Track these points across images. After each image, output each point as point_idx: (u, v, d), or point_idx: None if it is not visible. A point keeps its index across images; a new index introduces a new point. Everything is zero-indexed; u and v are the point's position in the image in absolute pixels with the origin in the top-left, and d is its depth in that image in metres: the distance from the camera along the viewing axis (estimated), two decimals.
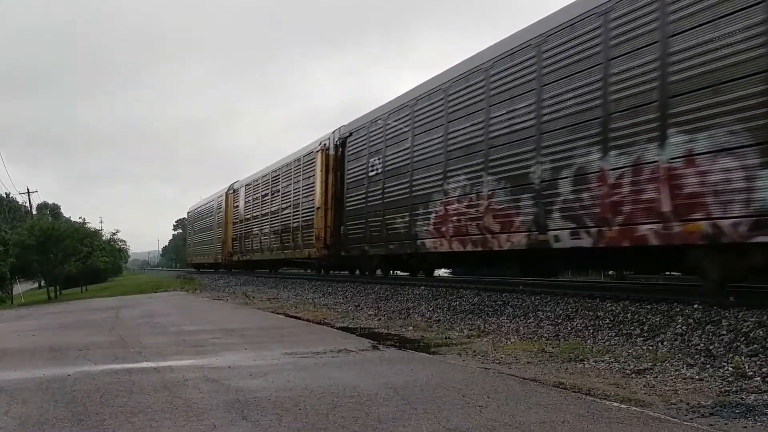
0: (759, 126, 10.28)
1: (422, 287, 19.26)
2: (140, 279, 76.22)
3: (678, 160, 11.65)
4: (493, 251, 17.10)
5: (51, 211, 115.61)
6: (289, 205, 35.07)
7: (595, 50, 13.83)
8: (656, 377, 7.47)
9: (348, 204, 26.39)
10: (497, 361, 8.87)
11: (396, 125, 22.69)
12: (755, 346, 8.41)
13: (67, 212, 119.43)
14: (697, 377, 7.36)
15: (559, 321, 12.03)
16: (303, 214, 32.78)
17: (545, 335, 11.06)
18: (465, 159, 18.19)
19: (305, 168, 32.86)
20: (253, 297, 24.92)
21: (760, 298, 10.56)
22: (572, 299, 13.40)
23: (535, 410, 6.06)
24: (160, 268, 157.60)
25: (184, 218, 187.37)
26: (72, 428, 5.83)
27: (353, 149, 26.42)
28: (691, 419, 5.66)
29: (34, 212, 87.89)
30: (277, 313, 17.40)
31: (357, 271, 30.67)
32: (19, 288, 58.52)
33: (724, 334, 9.14)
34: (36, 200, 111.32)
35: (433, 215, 19.79)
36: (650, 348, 9.26)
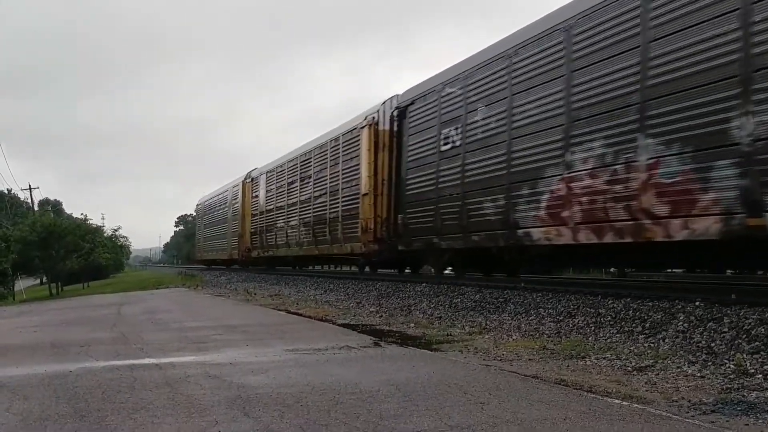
0: None
1: (424, 284, 19.29)
2: (142, 275, 76.23)
3: None
4: (653, 242, 12.66)
5: (53, 207, 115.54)
6: (324, 193, 30.21)
7: None
8: (658, 374, 7.47)
9: (409, 187, 21.80)
10: (499, 358, 8.87)
11: (482, 85, 18.01)
12: (757, 343, 8.41)
13: (68, 209, 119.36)
14: (698, 374, 7.36)
15: (561, 318, 12.04)
16: (344, 202, 28.04)
17: (547, 332, 11.06)
18: (602, 119, 13.72)
19: (346, 148, 28.10)
20: (255, 294, 24.96)
21: (761, 296, 10.56)
22: (574, 296, 13.40)
23: (537, 407, 6.06)
24: (161, 265, 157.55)
25: (185, 215, 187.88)
26: (74, 424, 5.84)
27: (416, 121, 21.72)
28: (693, 416, 5.66)
29: (36, 208, 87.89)
30: (279, 310, 17.42)
31: (408, 269, 27.54)
32: (21, 284, 58.50)
33: (725, 332, 9.14)
34: (38, 197, 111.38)
35: (545, 196, 15.22)
36: (652, 345, 9.26)
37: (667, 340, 9.38)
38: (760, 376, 7.02)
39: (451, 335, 11.33)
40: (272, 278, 33.79)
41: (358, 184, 26.35)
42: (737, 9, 10.91)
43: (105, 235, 76.30)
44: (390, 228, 23.28)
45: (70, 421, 5.97)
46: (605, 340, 10.01)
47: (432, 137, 20.55)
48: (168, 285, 39.30)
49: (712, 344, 8.79)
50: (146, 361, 9.43)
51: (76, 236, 54.56)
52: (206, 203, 62.03)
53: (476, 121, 18.06)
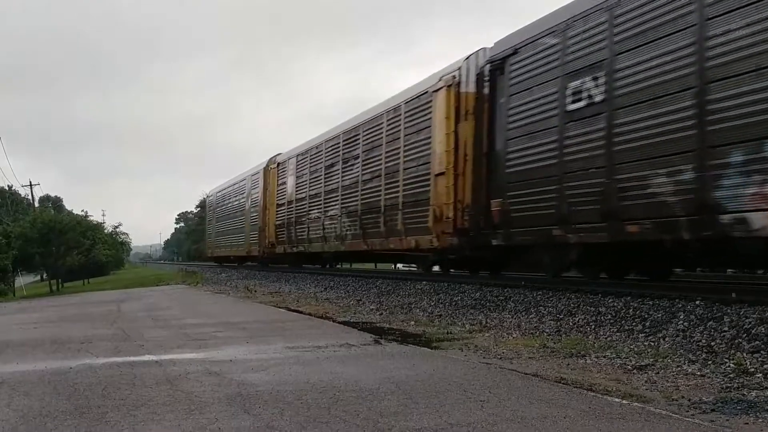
0: None
1: (424, 282, 19.31)
2: (142, 272, 76.31)
3: None
4: None
5: (53, 203, 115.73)
6: (377, 175, 24.75)
7: None
8: (658, 373, 7.47)
9: (511, 163, 16.54)
10: (499, 356, 8.87)
11: (647, 11, 12.85)
12: (757, 342, 8.41)
13: (69, 205, 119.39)
14: (698, 373, 7.36)
15: (561, 316, 12.04)
16: (406, 185, 22.66)
17: (547, 330, 11.06)
18: None
19: (410, 119, 22.74)
20: (255, 291, 24.97)
21: (762, 295, 10.56)
22: (574, 295, 13.42)
23: (537, 405, 6.06)
24: (161, 262, 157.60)
25: (186, 212, 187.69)
26: (74, 421, 5.84)
27: (522, 75, 16.44)
28: (693, 415, 5.66)
29: (37, 205, 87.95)
30: (279, 307, 17.43)
31: (485, 270, 22.23)
32: (21, 281, 58.56)
33: (725, 331, 9.15)
34: (38, 193, 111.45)
35: None
36: (652, 344, 9.26)
37: (667, 339, 9.38)
38: (760, 375, 7.02)
39: (451, 333, 11.33)
40: (273, 275, 33.78)
41: (428, 163, 21.29)
42: None
43: (105, 231, 76.31)
44: (478, 216, 18.19)
45: (70, 417, 5.97)
46: (605, 338, 10.00)
47: (550, 94, 15.41)
48: (168, 282, 39.30)
49: (713, 343, 8.79)
50: (146, 357, 9.44)
51: (77, 233, 54.62)
52: (218, 194, 56.88)
53: (637, 64, 13.03)
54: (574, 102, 14.66)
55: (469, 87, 19.85)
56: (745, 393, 6.37)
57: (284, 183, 37.24)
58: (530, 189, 15.75)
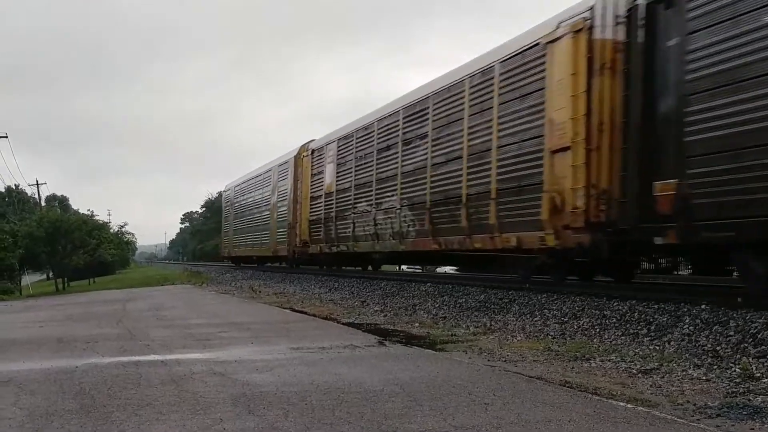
0: None
1: (428, 284, 19.28)
2: (147, 272, 76.37)
3: None
4: None
5: (59, 203, 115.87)
6: (456, 157, 19.52)
7: None
8: (663, 377, 7.46)
9: (696, 128, 11.77)
10: (503, 359, 8.87)
11: None
12: (763, 347, 8.40)
13: (75, 205, 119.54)
14: (704, 378, 7.36)
15: (566, 320, 12.02)
16: (502, 167, 17.26)
17: (552, 334, 11.05)
18: None
19: (508, 81, 17.33)
20: (260, 291, 25.00)
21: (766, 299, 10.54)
22: (579, 298, 13.40)
23: (541, 408, 6.06)
24: (166, 262, 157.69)
25: (191, 212, 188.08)
26: (80, 420, 5.86)
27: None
28: (698, 420, 5.66)
29: (43, 204, 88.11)
30: (284, 308, 17.44)
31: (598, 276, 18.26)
32: (27, 279, 58.57)
33: (731, 335, 9.13)
34: (45, 192, 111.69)
35: None
36: (657, 348, 9.25)
37: (672, 343, 9.37)
38: (766, 380, 7.01)
39: (455, 335, 11.33)
40: (277, 276, 33.77)
41: (539, 137, 16.18)
42: None
43: (111, 231, 76.31)
44: (629, 206, 13.67)
45: (76, 416, 6.00)
46: (610, 342, 10.00)
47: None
48: (173, 281, 39.35)
49: (718, 348, 8.78)
50: (151, 357, 9.46)
51: (83, 232, 54.62)
52: (238, 188, 51.15)
53: None
54: None
55: (607, 32, 15.17)
56: (750, 398, 6.36)
57: (320, 172, 31.93)
58: (738, 162, 10.98)
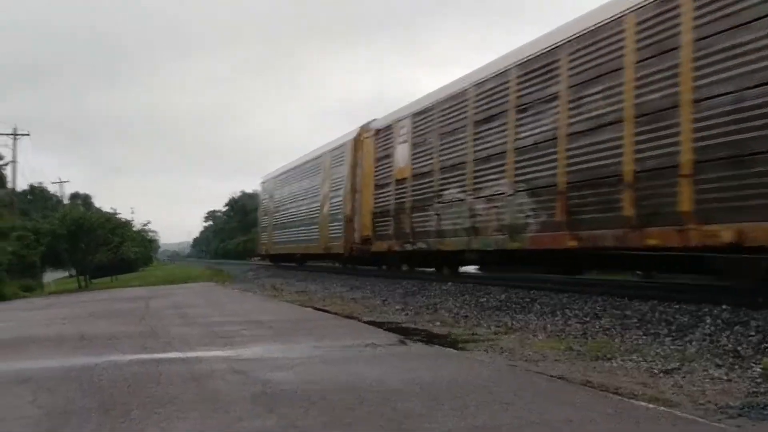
0: None
1: (450, 283, 19.27)
2: (170, 270, 76.63)
3: None
4: None
5: (83, 201, 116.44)
6: (612, 121, 14.88)
7: None
8: (684, 377, 7.41)
9: None
10: (524, 358, 8.83)
11: None
12: None
13: (98, 203, 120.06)
14: (725, 378, 7.30)
15: (587, 319, 11.98)
16: (707, 128, 12.53)
17: (573, 333, 11.00)
18: None
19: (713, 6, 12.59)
20: (282, 290, 24.99)
21: None
22: (600, 298, 13.38)
23: (563, 409, 6.03)
24: (189, 260, 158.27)
25: (214, 210, 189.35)
26: (98, 418, 5.87)
27: None
28: (719, 420, 5.61)
29: (66, 202, 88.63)
30: (305, 306, 17.43)
31: None
32: (50, 276, 58.91)
33: (752, 335, 9.09)
34: (68, 190, 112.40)
35: None
36: (678, 348, 9.19)
37: (693, 343, 9.31)
38: None
39: (476, 334, 11.29)
40: (300, 275, 33.80)
41: None
42: None
43: (134, 229, 76.61)
44: None
45: (95, 414, 6.01)
46: (631, 341, 9.94)
47: None
48: (196, 279, 39.43)
49: (739, 348, 8.73)
50: (172, 355, 9.48)
51: (105, 230, 54.82)
52: (279, 179, 46.78)
53: None
54: None
55: None
56: None
57: (388, 156, 27.17)
58: None
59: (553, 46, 17.08)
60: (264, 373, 7.76)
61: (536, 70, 17.54)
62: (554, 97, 16.64)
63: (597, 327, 11.28)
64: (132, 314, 16.85)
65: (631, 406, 6.12)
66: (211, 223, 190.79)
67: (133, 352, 9.85)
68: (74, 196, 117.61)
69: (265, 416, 5.83)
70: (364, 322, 13.38)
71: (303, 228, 39.44)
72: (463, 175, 20.93)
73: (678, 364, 8.10)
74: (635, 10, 14.40)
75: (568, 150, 16.06)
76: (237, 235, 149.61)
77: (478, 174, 20.12)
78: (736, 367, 7.80)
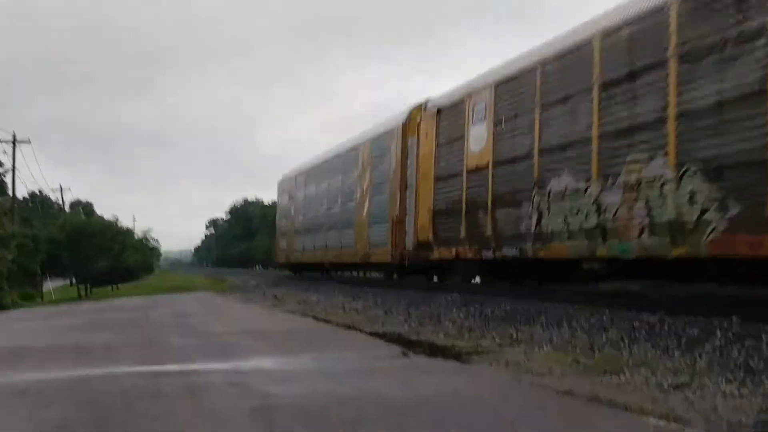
0: None
1: (454, 293, 19.09)
2: (171, 278, 76.69)
3: None
4: None
5: (84, 208, 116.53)
6: None
7: None
8: (695, 393, 7.22)
9: None
10: (530, 372, 8.64)
11: None
12: None
13: (100, 210, 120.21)
14: (737, 393, 7.11)
15: (594, 331, 11.79)
16: None
17: (579, 346, 10.79)
18: None
19: None
20: (283, 299, 24.80)
21: None
22: (607, 309, 13.19)
23: (570, 425, 5.87)
24: (191, 267, 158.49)
25: (216, 218, 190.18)
26: None
27: None
28: None
29: (67, 209, 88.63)
30: (306, 316, 17.26)
31: None
32: (50, 284, 58.86)
33: (764, 349, 8.91)
34: (69, 198, 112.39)
35: None
36: (688, 362, 8.99)
37: (703, 357, 9.12)
38: None
39: (481, 346, 11.10)
40: (302, 285, 33.64)
41: None
42: None
43: (135, 237, 76.75)
44: None
45: (90, 429, 5.86)
46: (639, 355, 9.74)
47: None
48: (197, 288, 39.34)
49: (750, 362, 8.55)
50: (170, 367, 9.31)
51: (106, 238, 54.83)
52: (301, 177, 41.71)
53: None
54: None
55: None
56: None
57: (456, 139, 22.41)
58: None
59: None
60: (263, 387, 7.58)
61: (713, 2, 13.06)
62: (757, 33, 12.03)
63: (604, 339, 11.09)
64: (131, 324, 16.74)
65: (642, 423, 5.93)
66: (212, 230, 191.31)
67: (130, 364, 9.68)
68: (75, 204, 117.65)
69: None
70: (366, 333, 13.18)
71: (333, 232, 34.77)
72: (583, 156, 16.25)
73: (688, 378, 7.91)
74: None
75: None
76: (238, 243, 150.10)
77: (609, 153, 15.55)
78: (748, 381, 7.61)
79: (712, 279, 14.57)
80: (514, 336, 12.14)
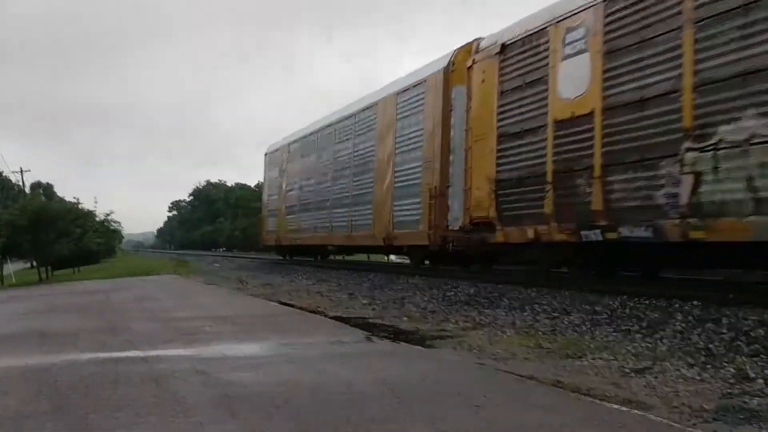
0: None
1: (417, 276, 19.10)
2: (134, 261, 76.00)
3: None
4: None
5: (44, 190, 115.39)
6: None
7: None
8: (656, 377, 7.28)
9: None
10: (493, 356, 8.67)
11: None
12: (756, 345, 8.26)
13: (61, 192, 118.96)
14: (698, 378, 7.17)
15: (556, 315, 11.86)
16: None
17: (542, 329, 10.86)
18: None
19: None
20: (247, 283, 24.69)
21: (760, 296, 10.42)
22: (569, 292, 13.27)
23: (534, 411, 5.87)
24: (153, 251, 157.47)
25: (179, 200, 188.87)
26: (54, 423, 5.64)
27: None
28: (695, 425, 5.46)
29: (28, 191, 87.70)
30: (271, 300, 17.19)
31: None
32: (11, 268, 58.18)
33: (724, 333, 9.01)
34: (29, 179, 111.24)
35: None
36: (649, 345, 9.07)
37: (664, 341, 9.20)
38: (762, 381, 6.83)
39: (444, 330, 11.13)
40: (265, 267, 33.46)
41: None
42: None
43: (97, 219, 75.91)
44: None
45: (50, 418, 5.78)
46: (601, 338, 9.82)
47: None
48: (159, 272, 39.00)
49: (711, 345, 8.62)
50: (132, 353, 9.23)
51: (67, 221, 54.22)
52: (297, 145, 36.14)
53: None
54: None
55: None
56: (746, 400, 6.17)
57: (532, 83, 16.75)
58: None
59: None
60: (227, 374, 7.54)
61: None
62: None
63: (566, 323, 11.17)
64: (93, 309, 16.57)
65: (604, 409, 5.97)
66: (175, 212, 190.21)
67: (92, 350, 9.58)
68: (36, 186, 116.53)
69: (228, 421, 5.62)
70: (331, 318, 13.18)
71: (341, 210, 29.29)
72: None
73: (650, 362, 7.97)
74: None
75: None
76: (202, 226, 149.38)
77: None
78: (709, 366, 7.67)
79: None
80: (477, 319, 12.19)
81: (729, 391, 6.59)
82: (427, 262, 24.70)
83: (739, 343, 8.54)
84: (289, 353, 9.06)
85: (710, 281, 14.95)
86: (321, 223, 31.43)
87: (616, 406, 6.05)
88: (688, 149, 12.30)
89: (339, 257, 36.50)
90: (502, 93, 17.63)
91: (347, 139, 28.89)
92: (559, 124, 15.48)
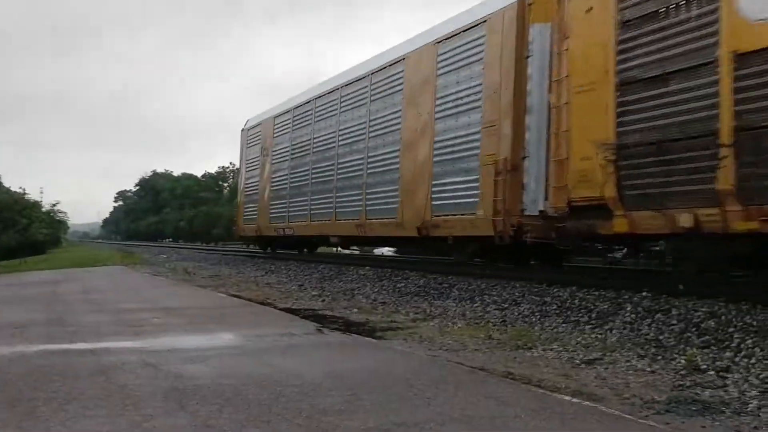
0: None
1: (367, 267, 19.08)
2: (80, 251, 75.13)
3: None
4: None
5: None
6: None
7: None
8: (607, 368, 7.33)
9: None
10: (444, 348, 8.69)
11: None
12: (707, 337, 8.33)
13: (7, 182, 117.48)
14: (648, 369, 7.24)
15: (506, 306, 11.91)
16: None
17: (492, 320, 10.91)
18: None
19: None
20: (194, 273, 24.53)
21: (710, 288, 10.50)
22: (519, 283, 13.32)
23: (485, 403, 5.87)
24: (99, 241, 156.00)
25: (124, 190, 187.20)
26: (3, 415, 5.55)
27: None
28: (647, 417, 5.50)
29: None
30: (219, 292, 17.08)
31: None
32: None
33: (674, 324, 9.07)
34: None
35: None
36: (599, 336, 9.14)
37: (614, 332, 9.28)
38: (713, 372, 6.90)
39: (395, 322, 11.13)
40: (212, 258, 33.25)
41: None
42: None
43: (43, 209, 75.15)
44: None
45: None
46: (551, 329, 9.88)
47: None
48: (106, 262, 38.60)
49: (661, 337, 8.71)
50: (80, 346, 9.11)
51: (13, 211, 53.62)
52: (288, 116, 29.93)
53: None
54: None
55: None
56: (698, 392, 6.23)
57: (680, 6, 10.87)
58: None
59: None
60: (176, 366, 7.46)
61: None
62: None
63: (516, 314, 11.22)
64: (40, 300, 16.32)
65: (556, 400, 5.99)
66: (121, 202, 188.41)
67: (40, 342, 9.44)
68: None
69: (177, 414, 5.55)
70: (280, 309, 13.13)
71: (349, 193, 23.60)
72: None
73: (600, 353, 8.03)
74: None
75: None
76: (148, 216, 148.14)
77: None
78: (659, 357, 7.75)
79: None
80: (428, 311, 12.21)
81: (680, 382, 6.65)
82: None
83: (689, 334, 8.62)
84: (238, 345, 9.02)
85: (660, 271, 14.88)
86: (320, 210, 25.73)
87: (567, 398, 6.07)
88: None
89: (338, 251, 32.15)
90: (625, 23, 11.98)
91: (360, 105, 23.29)
92: (745, 57, 9.82)
